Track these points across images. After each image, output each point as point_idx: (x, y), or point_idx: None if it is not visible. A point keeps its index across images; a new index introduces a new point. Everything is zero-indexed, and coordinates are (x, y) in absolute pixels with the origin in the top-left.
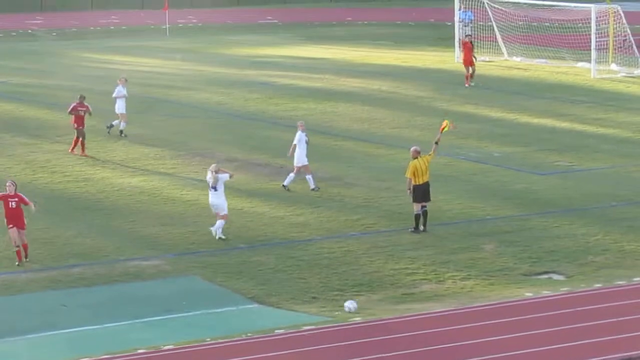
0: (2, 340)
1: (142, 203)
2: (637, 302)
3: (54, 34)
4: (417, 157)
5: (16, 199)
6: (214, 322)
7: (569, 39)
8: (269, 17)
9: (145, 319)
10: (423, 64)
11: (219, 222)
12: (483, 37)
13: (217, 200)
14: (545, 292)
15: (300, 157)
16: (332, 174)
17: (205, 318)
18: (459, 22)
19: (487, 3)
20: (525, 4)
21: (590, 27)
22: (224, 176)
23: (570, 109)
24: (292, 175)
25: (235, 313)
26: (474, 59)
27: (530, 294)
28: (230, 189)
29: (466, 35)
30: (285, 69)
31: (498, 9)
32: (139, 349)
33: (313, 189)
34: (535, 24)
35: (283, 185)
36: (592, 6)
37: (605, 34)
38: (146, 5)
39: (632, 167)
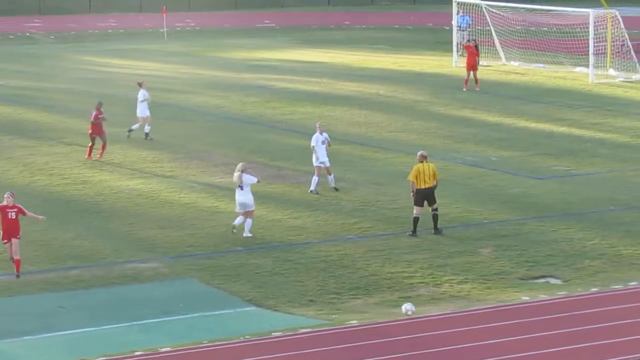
0: (0, 341)
1: (140, 206)
2: (634, 306)
3: (53, 37)
4: (422, 162)
5: (15, 210)
6: (211, 325)
7: (566, 43)
8: (267, 21)
9: (143, 322)
10: (421, 68)
11: (248, 222)
12: (481, 41)
13: (244, 198)
14: (542, 296)
15: (320, 158)
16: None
17: (202, 320)
18: (457, 26)
19: (485, 7)
20: (523, 8)
21: (588, 31)
22: (252, 179)
23: (568, 113)
24: (315, 178)
25: (233, 316)
26: (477, 64)
27: (527, 298)
28: (228, 193)
29: (470, 40)
30: (283, 73)
31: (496, 13)
32: (137, 351)
33: (335, 189)
34: (533, 28)
35: (310, 191)
36: (590, 11)
37: (603, 39)
38: (144, 9)
39: (630, 171)
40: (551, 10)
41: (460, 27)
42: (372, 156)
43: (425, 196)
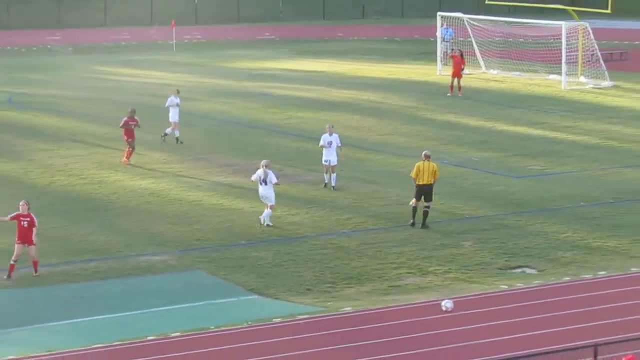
0: (25, 328)
1: (151, 203)
2: (602, 294)
3: (70, 48)
4: (425, 160)
5: (28, 219)
6: (217, 312)
7: (541, 53)
8: (267, 34)
9: (155, 309)
10: (408, 76)
11: (267, 212)
12: (463, 51)
13: (267, 192)
14: (519, 285)
15: (325, 157)
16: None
17: (209, 308)
18: (441, 38)
19: (467, 21)
20: (501, 21)
21: (561, 42)
22: (273, 177)
23: (543, 117)
24: (325, 175)
25: (237, 304)
26: (461, 72)
27: (505, 287)
28: (232, 192)
29: (454, 50)
30: (282, 81)
31: (477, 26)
32: (149, 337)
33: (333, 187)
34: (511, 39)
35: (332, 187)
36: (562, 23)
37: (575, 49)
38: (155, 22)
39: (599, 170)
40: (527, 23)
41: (444, 38)
42: (364, 157)
43: (422, 191)
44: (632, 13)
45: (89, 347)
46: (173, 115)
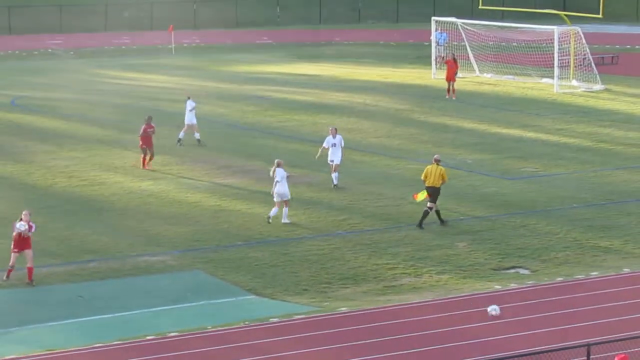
0: (26, 327)
1: (150, 205)
2: (595, 294)
3: (72, 52)
4: (434, 163)
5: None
6: (215, 312)
7: (534, 57)
8: (265, 38)
9: (154, 309)
10: (403, 80)
11: (285, 210)
12: (457, 55)
13: (283, 189)
14: (513, 285)
15: (329, 157)
16: (321, 179)
17: (207, 308)
18: (435, 42)
19: (461, 25)
20: (495, 26)
21: (553, 46)
22: (284, 173)
23: (536, 120)
24: (335, 174)
25: (234, 303)
26: (455, 76)
27: (499, 287)
28: (230, 193)
29: (448, 54)
30: (279, 84)
31: (470, 30)
32: (148, 336)
33: (335, 185)
34: (504, 44)
35: (334, 185)
36: (555, 28)
37: (567, 53)
38: (155, 27)
39: (590, 172)
40: (520, 28)
41: (438, 43)
42: (359, 159)
43: (429, 193)
44: (623, 18)
45: (88, 347)
46: (190, 119)
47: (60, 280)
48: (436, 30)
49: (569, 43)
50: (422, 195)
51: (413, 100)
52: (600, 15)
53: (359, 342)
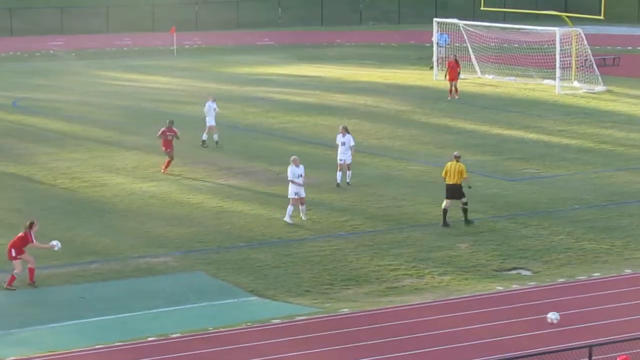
0: (27, 329)
1: (152, 206)
2: (597, 295)
3: (74, 54)
4: (454, 161)
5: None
6: (217, 313)
7: (536, 58)
8: (266, 39)
9: (155, 310)
10: (404, 81)
11: (302, 208)
12: (459, 57)
13: (299, 187)
14: (514, 286)
15: (339, 156)
16: (323, 180)
17: (209, 309)
18: (436, 43)
19: (463, 27)
20: (496, 27)
21: (555, 48)
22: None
23: (537, 121)
24: (338, 173)
25: (236, 305)
26: (458, 76)
27: (500, 288)
28: (232, 194)
29: (449, 55)
30: (281, 86)
31: (472, 31)
32: (150, 337)
33: (348, 183)
34: (505, 45)
35: (347, 183)
36: (556, 29)
37: (569, 54)
38: (156, 28)
39: (592, 173)
40: (522, 29)
41: (439, 44)
42: (360, 161)
43: (451, 190)
44: (625, 19)
45: (90, 348)
46: (210, 120)
47: (62, 281)
48: (437, 31)
49: (571, 44)
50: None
51: (414, 101)
52: (601, 17)
53: (361, 343)
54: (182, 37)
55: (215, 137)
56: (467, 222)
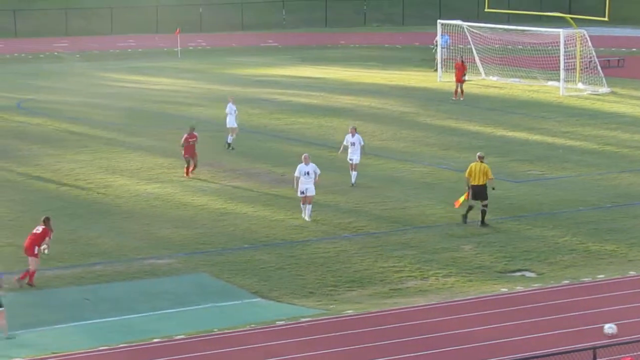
0: (31, 330)
1: (156, 208)
2: (601, 297)
3: (78, 56)
4: (478, 161)
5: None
6: (221, 315)
7: (540, 60)
8: (270, 41)
9: (160, 312)
10: (408, 83)
11: (309, 207)
12: (465, 58)
13: (310, 185)
14: (519, 288)
15: (348, 156)
16: (327, 182)
17: (213, 311)
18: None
19: (467, 28)
20: (500, 28)
21: (559, 49)
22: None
23: (541, 123)
24: (354, 173)
25: (240, 306)
26: (463, 78)
27: (505, 290)
28: (236, 196)
29: (458, 56)
30: (285, 87)
31: (476, 33)
32: (154, 339)
33: (352, 184)
34: (509, 46)
35: (352, 184)
36: (560, 31)
37: (573, 56)
38: (160, 30)
39: (596, 175)
40: (526, 30)
41: (440, 45)
42: (365, 162)
43: (476, 191)
44: (629, 21)
45: (94, 350)
46: (230, 122)
47: (66, 283)
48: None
49: (575, 46)
50: (462, 199)
51: (418, 103)
52: (605, 18)
53: (365, 345)
54: (186, 38)
55: (230, 139)
56: (483, 224)
